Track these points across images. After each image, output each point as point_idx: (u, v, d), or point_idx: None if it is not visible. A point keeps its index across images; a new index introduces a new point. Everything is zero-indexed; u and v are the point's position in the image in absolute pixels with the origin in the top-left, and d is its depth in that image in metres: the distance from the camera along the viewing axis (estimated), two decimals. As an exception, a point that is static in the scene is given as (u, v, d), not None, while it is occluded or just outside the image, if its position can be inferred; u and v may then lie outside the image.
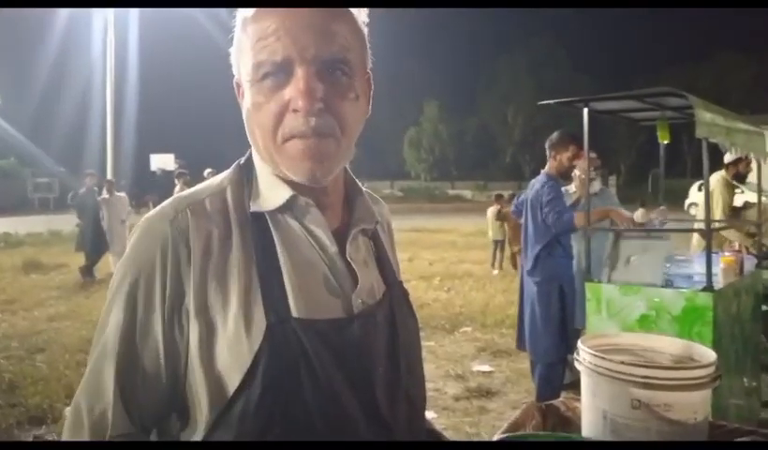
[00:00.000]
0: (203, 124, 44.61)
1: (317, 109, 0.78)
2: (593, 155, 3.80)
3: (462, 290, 8.37)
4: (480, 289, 8.42)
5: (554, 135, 3.94)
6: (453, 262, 11.16)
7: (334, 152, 0.81)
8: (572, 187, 4.26)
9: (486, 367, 4.85)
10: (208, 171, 8.58)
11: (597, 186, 4.05)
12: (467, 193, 42.44)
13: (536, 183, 3.92)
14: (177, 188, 8.88)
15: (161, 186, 18.58)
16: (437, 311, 6.70)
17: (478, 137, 52.21)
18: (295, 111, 0.78)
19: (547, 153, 3.96)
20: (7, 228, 16.40)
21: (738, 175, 5.09)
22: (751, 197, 5.05)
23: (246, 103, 0.83)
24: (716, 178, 5.00)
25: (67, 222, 13.37)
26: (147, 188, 23.17)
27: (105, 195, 9.72)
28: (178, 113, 44.48)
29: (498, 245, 10.36)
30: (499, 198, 11.18)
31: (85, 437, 0.79)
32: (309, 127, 0.78)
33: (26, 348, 5.36)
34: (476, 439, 1.05)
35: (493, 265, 10.26)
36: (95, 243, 9.52)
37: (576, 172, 4.04)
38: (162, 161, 26.53)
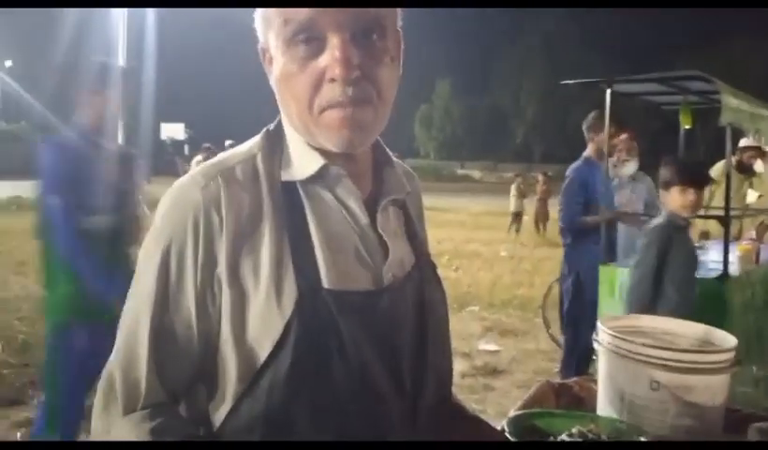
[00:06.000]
0: (217, 94, 44.40)
1: (354, 77, 0.76)
2: (625, 136, 3.59)
3: (470, 269, 8.37)
4: (487, 269, 8.42)
5: (590, 116, 3.63)
6: (462, 241, 11.15)
7: (372, 119, 0.80)
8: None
9: (493, 347, 4.88)
10: (229, 142, 8.49)
11: (632, 168, 3.70)
12: (476, 174, 42.22)
13: (570, 169, 3.65)
14: (199, 159, 8.75)
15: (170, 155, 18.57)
16: (445, 290, 6.70)
17: (489, 117, 51.72)
18: (332, 80, 0.76)
19: (585, 135, 3.67)
20: (18, 191, 16.44)
21: (742, 165, 4.80)
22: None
23: (277, 71, 0.81)
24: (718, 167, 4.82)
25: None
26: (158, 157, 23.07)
27: None
28: (192, 83, 44.28)
29: (516, 216, 12.78)
30: (517, 177, 14.05)
31: (118, 406, 0.79)
32: (347, 97, 0.76)
33: (38, 310, 5.41)
34: (483, 416, 1.05)
35: (509, 231, 12.56)
36: None
37: (611, 158, 3.67)
38: (172, 130, 26.54)
